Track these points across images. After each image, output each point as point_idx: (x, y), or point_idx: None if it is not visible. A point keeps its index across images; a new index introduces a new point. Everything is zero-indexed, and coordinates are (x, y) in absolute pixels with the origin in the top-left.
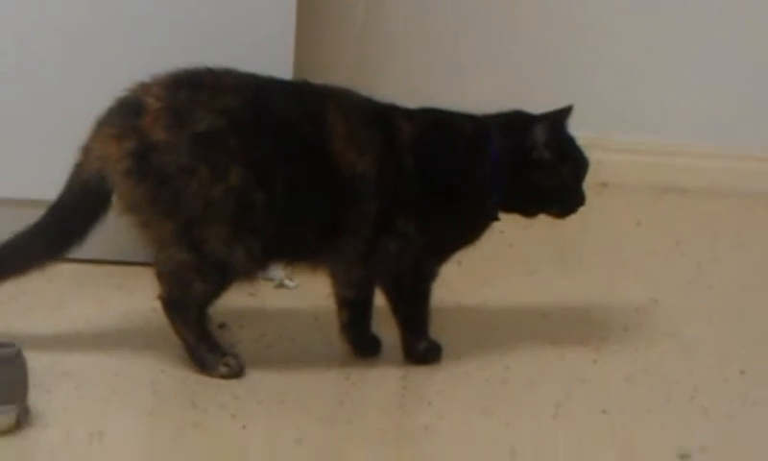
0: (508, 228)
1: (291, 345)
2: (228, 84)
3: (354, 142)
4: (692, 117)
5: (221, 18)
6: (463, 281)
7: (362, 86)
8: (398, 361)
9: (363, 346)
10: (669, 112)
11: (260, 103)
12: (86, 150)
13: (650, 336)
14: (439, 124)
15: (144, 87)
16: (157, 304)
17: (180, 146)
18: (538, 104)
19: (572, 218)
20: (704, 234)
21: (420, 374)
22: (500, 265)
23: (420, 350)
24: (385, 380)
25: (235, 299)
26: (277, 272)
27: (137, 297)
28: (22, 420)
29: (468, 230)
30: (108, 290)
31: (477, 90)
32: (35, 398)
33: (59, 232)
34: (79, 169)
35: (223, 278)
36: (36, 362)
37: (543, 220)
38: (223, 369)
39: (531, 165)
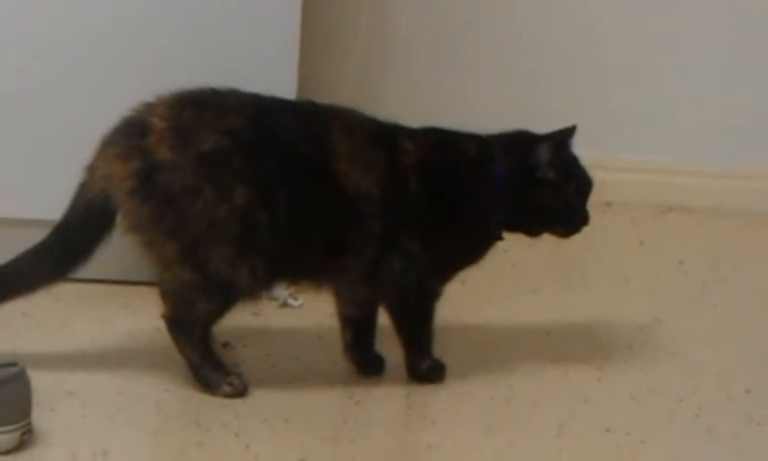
0: (512, 247)
1: (295, 364)
2: (233, 105)
3: (358, 162)
4: (696, 137)
5: (225, 37)
6: (467, 300)
7: (365, 104)
8: (402, 380)
9: (367, 365)
10: (673, 132)
11: (264, 123)
12: (91, 169)
13: (654, 355)
14: (442, 144)
15: (149, 108)
16: (161, 324)
17: (184, 166)
18: (542, 123)
19: (576, 237)
20: (707, 253)
21: (424, 393)
22: (504, 284)
23: (424, 369)
24: (389, 399)
25: (239, 318)
26: (281, 291)
27: (142, 316)
28: (26, 439)
29: (471, 249)
30: (112, 309)
31: (482, 108)
32: (39, 417)
33: (63, 252)
34: (83, 188)
35: (227, 297)
36: (41, 381)
37: (547, 239)
38: (227, 388)
39: (535, 185)
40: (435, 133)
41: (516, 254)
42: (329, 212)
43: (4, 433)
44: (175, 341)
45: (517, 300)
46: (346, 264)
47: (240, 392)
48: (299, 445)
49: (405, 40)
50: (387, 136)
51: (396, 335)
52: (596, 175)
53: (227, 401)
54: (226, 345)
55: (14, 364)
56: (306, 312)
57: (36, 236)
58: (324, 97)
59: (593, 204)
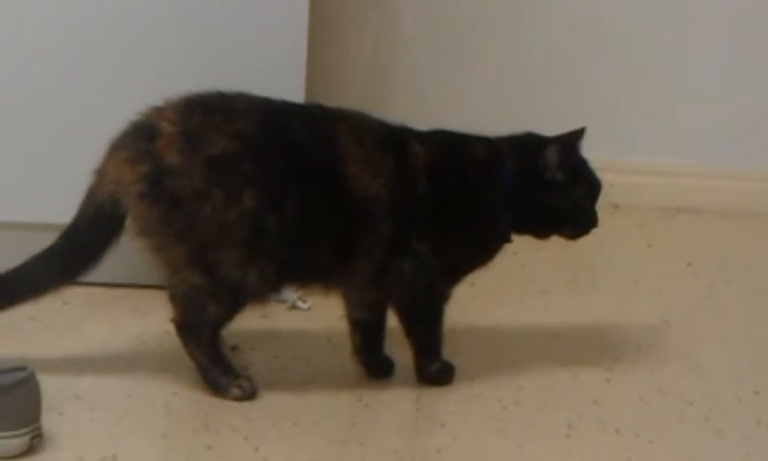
0: (521, 249)
1: (304, 367)
2: (241, 108)
3: (367, 165)
4: (704, 138)
5: (233, 40)
6: (476, 303)
7: (373, 107)
8: (411, 383)
9: (376, 367)
10: (681, 134)
11: (273, 126)
12: (100, 173)
13: (663, 357)
14: (451, 146)
15: (158, 111)
16: (171, 327)
17: (193, 170)
18: (549, 125)
19: (584, 239)
20: (716, 255)
21: (433, 395)
22: (513, 286)
23: (433, 371)
24: (398, 402)
25: (248, 321)
26: (290, 294)
27: (151, 320)
28: (35, 443)
29: (480, 251)
30: (121, 313)
31: (489, 109)
32: (48, 421)
33: (72, 256)
34: (92, 192)
35: (236, 300)
36: (50, 385)
37: (556, 241)
38: (236, 391)
39: (543, 187)
40: (444, 135)
41: (524, 257)
42: (338, 215)
43: (13, 437)
44: (184, 344)
45: (526, 302)
46: (355, 267)
47: (249, 395)
48: (308, 448)
49: (413, 42)
50: (396, 139)
51: (406, 338)
52: (604, 177)
53: (236, 405)
54: (234, 348)
55: (23, 368)
56: (315, 315)
57: (43, 240)
58: (332, 100)
59: (601, 206)
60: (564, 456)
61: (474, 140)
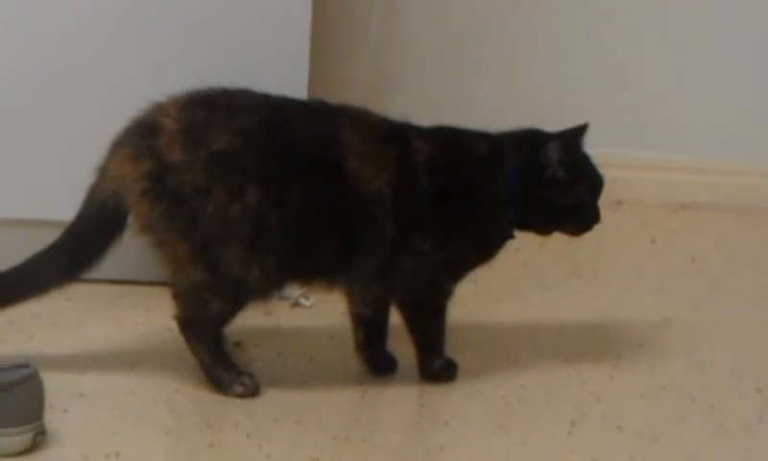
0: (523, 246)
1: (307, 363)
2: (244, 105)
3: (369, 161)
4: (707, 134)
5: (235, 36)
6: (478, 300)
7: (376, 103)
8: (414, 380)
9: (379, 364)
10: (684, 129)
11: (276, 123)
12: (103, 170)
13: (666, 353)
14: (453, 142)
15: (160, 108)
16: (173, 324)
17: (196, 166)
18: (552, 121)
19: (587, 236)
20: (719, 251)
21: (436, 392)
22: (516, 283)
23: (436, 368)
24: (401, 399)
25: (251, 317)
26: (293, 291)
27: (154, 317)
28: (39, 440)
29: (483, 247)
30: (124, 310)
31: (492, 106)
32: (51, 418)
33: (75, 253)
34: (95, 190)
35: (239, 297)
36: (53, 382)
37: (558, 238)
38: (239, 388)
39: (545, 183)
40: (446, 131)
41: (527, 254)
42: (341, 212)
43: (17, 434)
44: (187, 341)
45: (529, 299)
46: (357, 263)
47: (252, 392)
48: (311, 444)
49: (416, 39)
50: (398, 135)
51: (408, 334)
52: (607, 173)
53: (239, 401)
54: (237, 344)
55: (27, 365)
56: (318, 312)
57: (45, 237)
58: (335, 96)
59: (604, 202)
60: (566, 453)
61: (476, 136)
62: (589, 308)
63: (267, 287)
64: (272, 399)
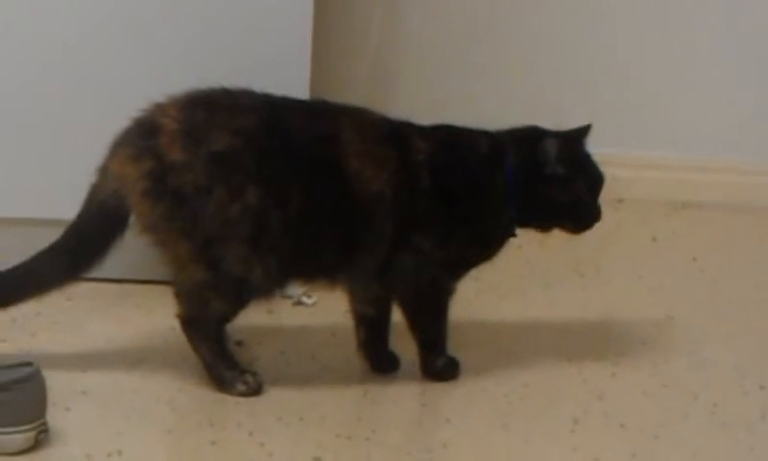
0: (525, 244)
1: (309, 362)
2: (244, 104)
3: (370, 160)
4: (708, 132)
5: (238, 38)
6: (480, 298)
7: (378, 102)
8: (417, 378)
9: (381, 362)
10: (685, 128)
11: (276, 122)
12: (103, 171)
13: (668, 351)
14: (453, 141)
15: (160, 108)
16: (176, 323)
17: (196, 166)
18: (555, 121)
19: (589, 234)
20: (721, 250)
21: (439, 390)
22: (518, 281)
23: (439, 366)
24: (403, 397)
25: (253, 316)
26: (295, 289)
27: (156, 315)
28: (41, 438)
29: (484, 245)
30: (127, 309)
31: (494, 106)
32: (54, 416)
33: (77, 253)
34: (96, 190)
35: (240, 296)
36: (56, 380)
37: (560, 236)
38: (241, 387)
39: (544, 180)
40: (445, 130)
41: (529, 252)
42: (341, 211)
43: (20, 433)
44: (189, 340)
45: (531, 297)
46: (358, 262)
47: (254, 390)
48: (313, 442)
49: (417, 38)
50: (398, 134)
51: (410, 333)
52: (609, 171)
53: (241, 400)
54: (239, 343)
55: (30, 364)
56: (320, 310)
57: (46, 235)
58: (337, 96)
59: (606, 200)
60: (569, 451)
61: (476, 134)
62: (592, 307)
63: (268, 286)
64: (274, 397)
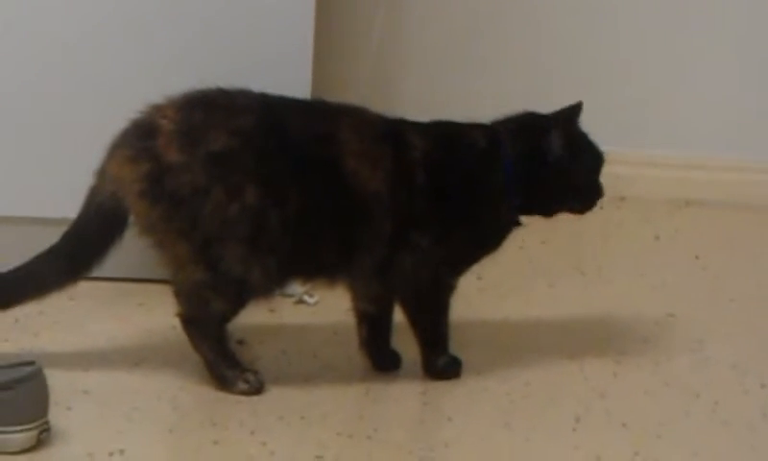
0: (527, 242)
1: (311, 360)
2: (241, 104)
3: (366, 159)
4: (711, 130)
5: (239, 38)
6: (482, 296)
7: (379, 102)
8: (418, 376)
9: (383, 361)
10: (687, 126)
11: (273, 122)
12: (101, 173)
13: (670, 350)
14: (448, 136)
15: (157, 109)
16: (177, 322)
17: (194, 167)
18: None
19: (591, 232)
20: (723, 248)
21: (440, 389)
22: (520, 279)
23: (440, 365)
24: (405, 396)
25: (255, 315)
26: (297, 288)
27: (157, 314)
28: (43, 438)
29: (485, 239)
30: (128, 308)
31: (495, 104)
32: (55, 415)
33: (76, 255)
34: (94, 192)
35: (240, 295)
36: (57, 380)
37: (562, 234)
38: (242, 385)
39: (548, 167)
40: (441, 125)
41: (531, 250)
42: (339, 209)
43: (22, 432)
44: (190, 339)
45: (533, 295)
46: (357, 261)
47: (256, 389)
48: (315, 441)
49: (419, 38)
50: (394, 132)
51: (412, 331)
52: (611, 169)
53: (243, 399)
54: (241, 342)
55: (31, 363)
56: (322, 309)
57: (45, 234)
58: (339, 96)
59: (608, 198)
60: (571, 450)
61: (471, 128)
62: (594, 305)
63: (268, 286)
64: (276, 396)
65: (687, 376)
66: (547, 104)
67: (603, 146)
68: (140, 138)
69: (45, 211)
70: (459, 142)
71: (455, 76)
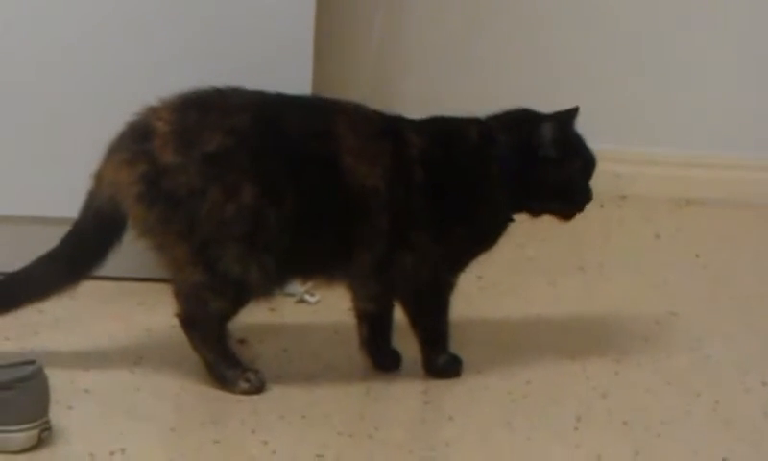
0: (528, 241)
1: (312, 360)
2: (236, 104)
3: (363, 155)
4: (711, 128)
5: (240, 36)
6: (483, 295)
7: (380, 101)
8: (419, 375)
9: (383, 360)
10: (688, 124)
11: (269, 120)
12: (98, 176)
13: (671, 348)
14: (444, 132)
15: (153, 111)
16: (177, 321)
17: (190, 168)
18: None
19: (592, 230)
20: (724, 246)
21: (441, 388)
22: (520, 278)
23: (441, 364)
24: (406, 395)
25: (256, 314)
26: (298, 287)
27: (158, 313)
28: (44, 437)
29: (482, 235)
30: (128, 307)
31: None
32: (56, 414)
33: (75, 258)
34: (92, 196)
35: (239, 295)
36: (58, 379)
37: (563, 232)
38: (243, 384)
39: (537, 163)
40: (437, 122)
41: (531, 249)
42: (337, 207)
43: (23, 431)
44: (189, 339)
45: (534, 294)
46: (356, 258)
47: (257, 388)
48: (316, 440)
49: (419, 36)
50: (391, 129)
51: (412, 330)
52: (612, 168)
53: (244, 398)
54: (242, 341)
55: (32, 362)
56: (323, 308)
57: (44, 233)
58: (340, 95)
59: (609, 197)
60: (572, 449)
61: (466, 123)
62: (594, 303)
63: (267, 285)
64: (277, 395)
65: (688, 375)
66: (547, 104)
67: (604, 144)
68: (136, 141)
69: (44, 211)
70: (453, 138)
71: (455, 76)
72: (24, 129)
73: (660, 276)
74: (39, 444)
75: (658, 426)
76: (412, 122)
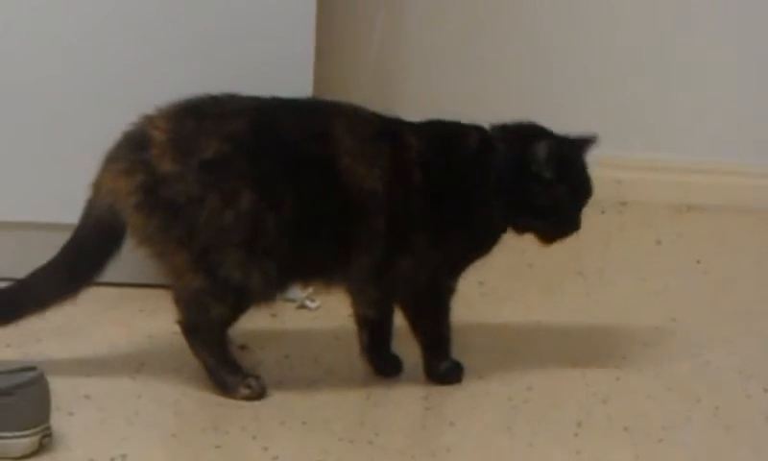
0: (528, 247)
1: (313, 365)
2: (232, 110)
3: (361, 158)
4: (712, 134)
5: (240, 41)
6: (484, 301)
7: (381, 103)
8: (420, 381)
9: (384, 366)
10: (689, 130)
11: (265, 124)
12: (97, 186)
13: (672, 354)
14: (443, 136)
15: (149, 120)
16: (178, 327)
17: (187, 176)
18: (557, 121)
19: (592, 236)
20: (725, 252)
21: (442, 393)
22: (521, 284)
23: (442, 369)
24: (407, 400)
25: (257, 320)
26: (299, 293)
27: (159, 319)
28: (45, 443)
29: (478, 241)
30: (130, 313)
31: (497, 107)
32: (57, 420)
33: (75, 269)
34: (91, 205)
35: (239, 301)
36: (59, 385)
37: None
38: (244, 390)
39: (529, 179)
40: (437, 126)
41: (532, 255)
42: (335, 210)
43: (24, 437)
44: (190, 347)
45: (535, 300)
46: (355, 262)
47: (258, 394)
48: (317, 446)
49: (420, 39)
50: (389, 131)
51: (413, 336)
52: (613, 174)
53: (245, 404)
54: (243, 347)
55: (33, 368)
56: (324, 313)
57: (44, 238)
58: (341, 97)
59: (610, 203)
60: (573, 454)
61: (467, 129)
62: (595, 310)
63: (267, 290)
64: (278, 401)
65: (689, 381)
66: (547, 104)
67: (604, 150)
68: (133, 150)
69: (44, 216)
70: (453, 143)
71: (455, 76)
72: (24, 129)
73: (661, 281)
74: (40, 450)
75: (658, 432)
76: (410, 124)
